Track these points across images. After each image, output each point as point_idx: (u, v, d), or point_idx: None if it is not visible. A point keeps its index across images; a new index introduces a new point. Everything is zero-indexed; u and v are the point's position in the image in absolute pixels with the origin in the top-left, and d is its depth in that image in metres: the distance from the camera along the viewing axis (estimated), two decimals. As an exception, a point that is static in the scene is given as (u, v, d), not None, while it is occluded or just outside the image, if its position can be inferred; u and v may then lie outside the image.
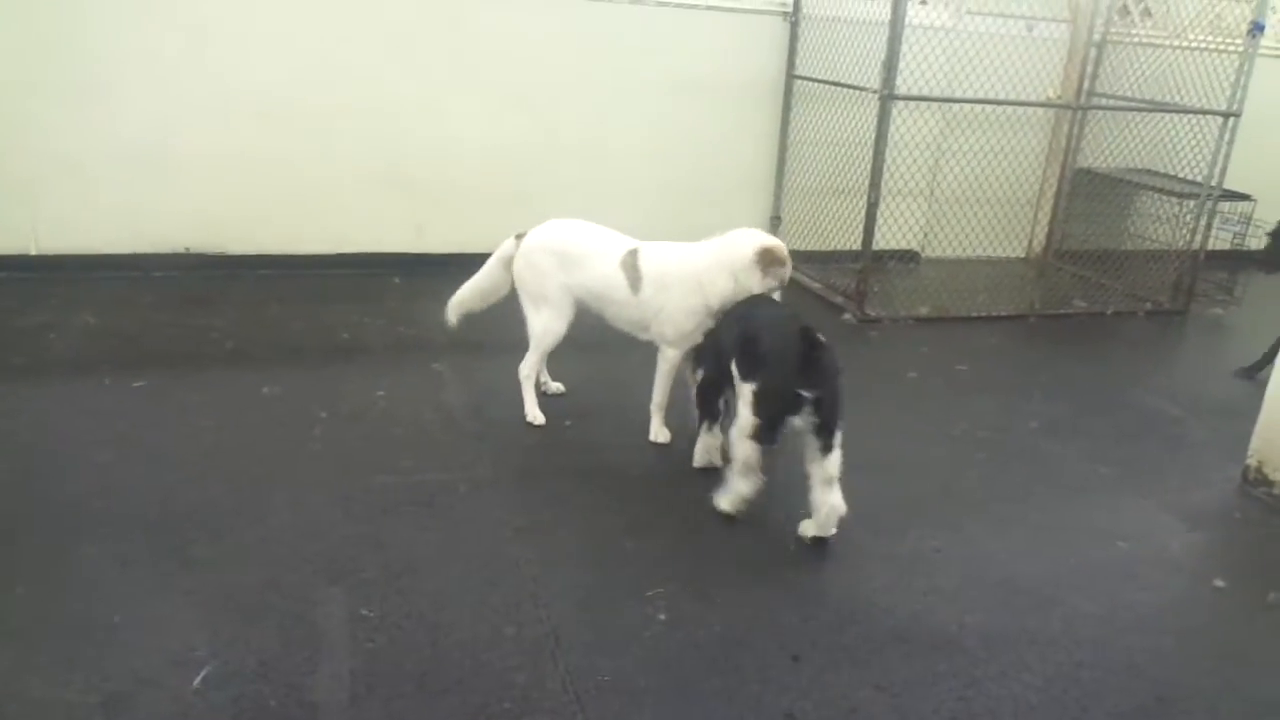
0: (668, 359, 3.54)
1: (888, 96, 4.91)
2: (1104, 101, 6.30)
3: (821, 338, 2.84)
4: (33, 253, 4.94)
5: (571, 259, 3.54)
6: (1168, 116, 5.93)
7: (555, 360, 3.89)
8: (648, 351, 3.81)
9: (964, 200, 6.11)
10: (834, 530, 2.96)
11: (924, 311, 5.44)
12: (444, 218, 5.50)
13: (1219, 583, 2.98)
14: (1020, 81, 5.74)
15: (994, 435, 3.91)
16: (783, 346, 2.85)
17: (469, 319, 3.83)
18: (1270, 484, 3.53)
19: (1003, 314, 5.56)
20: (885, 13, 4.85)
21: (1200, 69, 5.68)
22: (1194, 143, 5.79)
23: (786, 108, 5.92)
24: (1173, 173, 6.06)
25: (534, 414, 3.69)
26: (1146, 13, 6.34)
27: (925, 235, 6.22)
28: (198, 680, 2.25)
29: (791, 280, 3.54)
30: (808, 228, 5.97)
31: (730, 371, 3.03)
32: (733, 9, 5.66)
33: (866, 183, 5.12)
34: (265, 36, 4.97)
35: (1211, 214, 5.74)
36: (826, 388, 2.81)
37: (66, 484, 3.05)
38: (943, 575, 2.90)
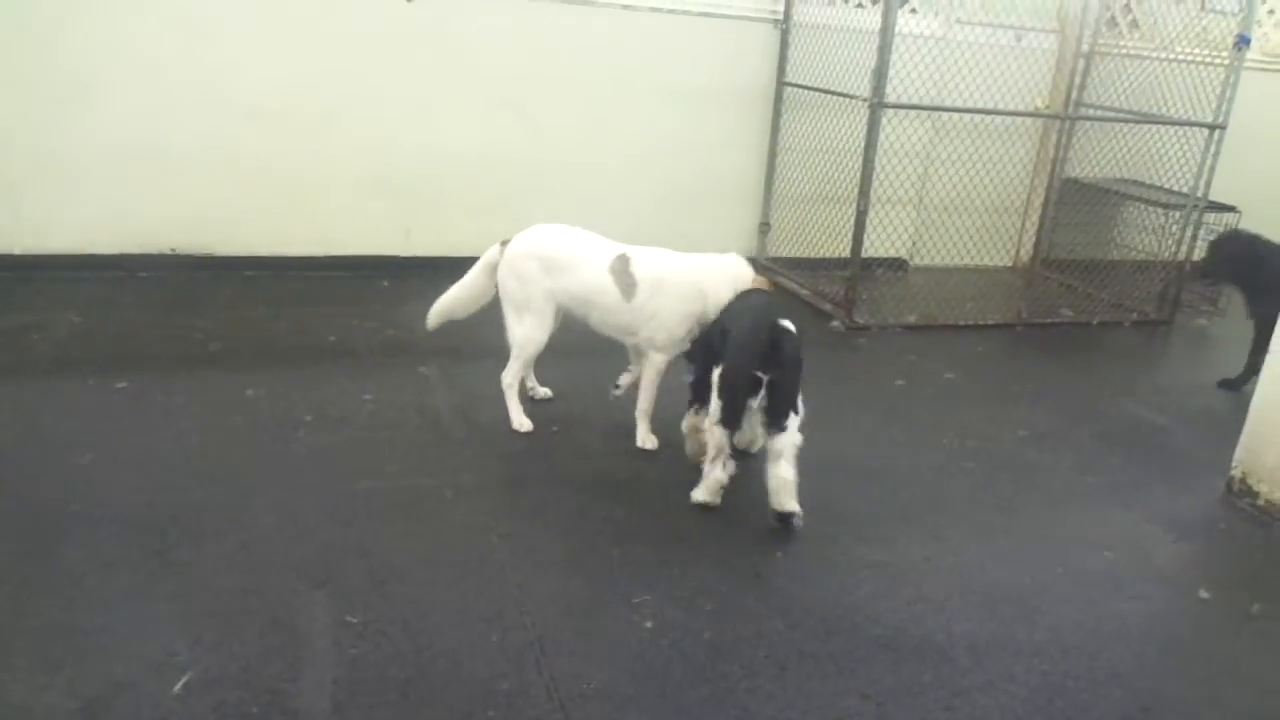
0: (655, 364, 3.53)
1: (877, 104, 4.92)
2: (1092, 112, 6.33)
3: (788, 326, 3.01)
4: (17, 252, 4.90)
5: (558, 264, 3.52)
6: (1154, 128, 5.96)
7: (543, 365, 3.88)
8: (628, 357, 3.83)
9: (952, 209, 6.13)
10: (794, 506, 3.05)
11: (912, 319, 5.45)
12: (433, 221, 5.48)
13: (1204, 593, 2.99)
14: (1009, 91, 5.76)
15: (981, 444, 3.92)
16: (748, 333, 3.01)
17: (453, 324, 3.81)
18: (1254, 494, 3.54)
19: (990, 322, 5.57)
20: (876, 21, 4.87)
21: (1187, 81, 5.72)
22: (1180, 154, 5.82)
23: (776, 115, 5.93)
24: (1159, 184, 6.09)
25: (520, 421, 3.67)
26: (1134, 25, 6.38)
27: (914, 243, 6.23)
28: (178, 686, 2.23)
29: (780, 287, 3.54)
30: (797, 235, 5.98)
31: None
32: (724, 16, 5.66)
33: (856, 190, 5.13)
34: (255, 38, 4.95)
35: (1197, 225, 5.77)
36: (782, 372, 2.97)
37: (47, 485, 3.02)
38: (930, 584, 2.90)
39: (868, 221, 5.18)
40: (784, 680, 2.42)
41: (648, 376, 3.56)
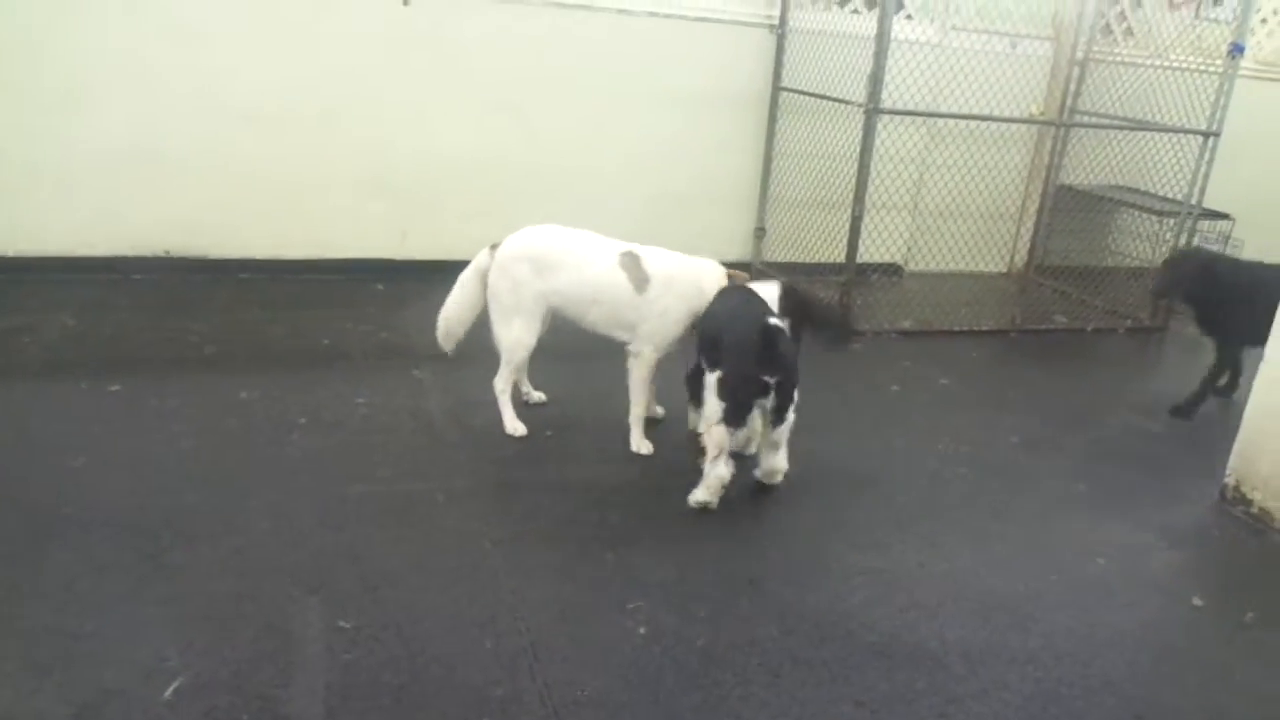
0: (646, 362, 3.55)
1: (873, 110, 4.92)
2: (1086, 119, 6.34)
3: (778, 324, 3.09)
4: (10, 254, 4.88)
5: (553, 264, 3.52)
6: (1149, 135, 5.97)
7: (536, 370, 3.88)
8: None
9: (947, 214, 6.14)
10: (778, 480, 3.30)
11: (907, 325, 5.45)
12: (428, 224, 5.48)
13: (1197, 601, 2.99)
14: (1004, 98, 5.77)
15: (975, 450, 3.92)
16: (745, 338, 3.09)
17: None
18: (1248, 502, 3.54)
19: (985, 329, 5.58)
20: (871, 27, 4.87)
21: (1181, 89, 5.73)
22: (1174, 161, 5.83)
23: (772, 120, 5.93)
24: (1153, 191, 6.10)
25: (513, 426, 3.66)
26: (1129, 32, 6.40)
27: (909, 249, 6.24)
28: (169, 691, 2.22)
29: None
30: (792, 240, 5.98)
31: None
32: (720, 21, 5.66)
33: (851, 196, 5.13)
34: (249, 41, 4.94)
35: (1191, 232, 5.78)
36: (785, 373, 3.07)
37: (38, 488, 3.01)
38: (924, 590, 2.90)
39: (863, 227, 5.18)
40: (777, 687, 2.42)
41: (639, 375, 3.56)
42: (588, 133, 5.61)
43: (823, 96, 5.41)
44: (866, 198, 5.10)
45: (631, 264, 3.50)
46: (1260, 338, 4.36)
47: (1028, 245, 6.71)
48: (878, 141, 5.03)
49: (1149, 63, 5.97)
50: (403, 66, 5.20)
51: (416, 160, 5.37)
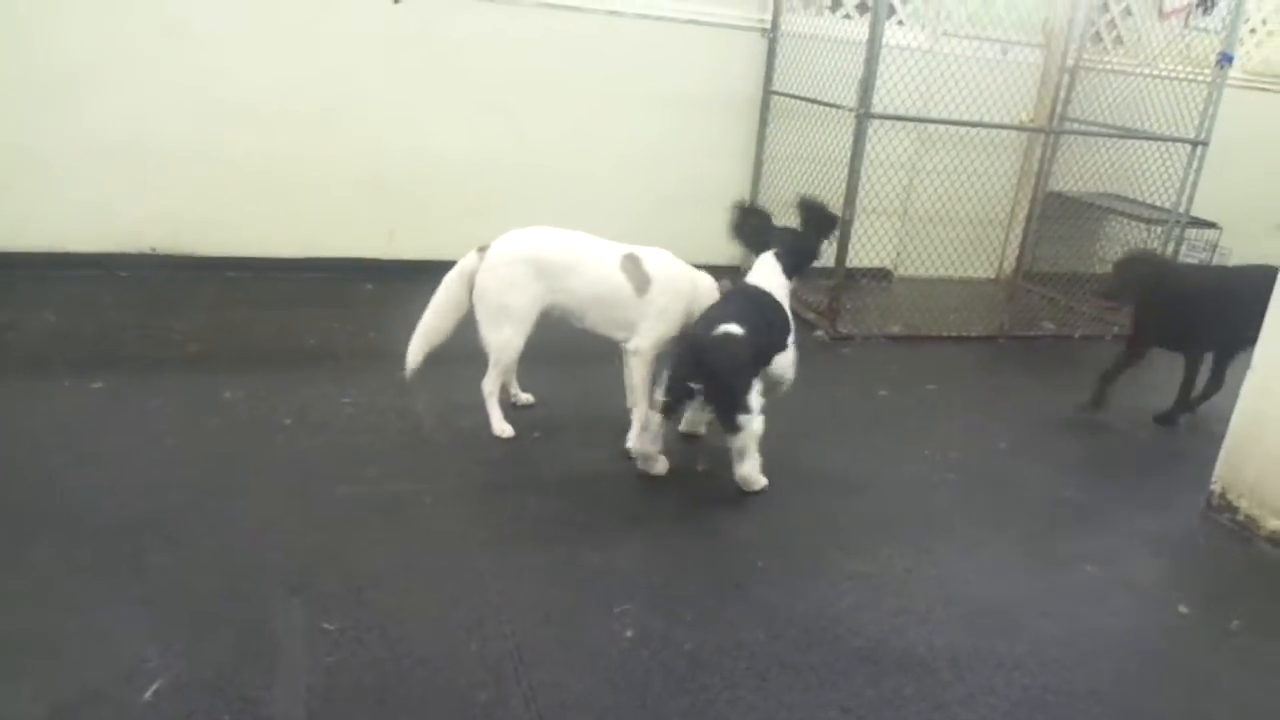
0: (645, 359, 3.56)
1: (864, 115, 4.93)
2: (1076, 126, 6.37)
3: (727, 332, 3.15)
4: (-7, 249, 4.85)
5: (555, 266, 3.51)
6: (1137, 143, 5.99)
7: (524, 371, 3.86)
8: (620, 364, 3.81)
9: (937, 220, 6.15)
10: (758, 486, 3.34)
11: (896, 330, 5.46)
12: (417, 224, 5.45)
13: (1183, 608, 2.99)
14: (994, 104, 5.78)
15: (963, 456, 3.92)
16: (688, 343, 3.29)
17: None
18: (1234, 509, 3.55)
19: (973, 334, 5.59)
20: (863, 32, 4.88)
21: (1170, 97, 5.76)
22: (1163, 170, 5.86)
23: (763, 123, 5.93)
24: (1142, 199, 6.13)
25: (500, 427, 3.64)
26: (1119, 40, 6.43)
27: (898, 254, 6.24)
28: (149, 693, 2.19)
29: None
30: (781, 244, 5.97)
31: None
32: (711, 24, 5.66)
33: (841, 200, 5.12)
34: (239, 38, 4.91)
35: (1179, 240, 5.81)
36: (712, 383, 3.13)
37: (17, 487, 2.98)
38: (912, 596, 2.89)
39: (853, 231, 5.18)
40: (765, 692, 2.40)
41: (641, 373, 3.56)
42: (578, 134, 5.60)
43: (814, 101, 5.42)
44: (856, 202, 5.11)
45: (632, 266, 3.54)
46: (1211, 343, 4.36)
47: (1016, 251, 6.73)
48: (868, 146, 5.03)
49: (1138, 71, 6.00)
50: (392, 66, 5.18)
51: (406, 160, 5.35)
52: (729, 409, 3.16)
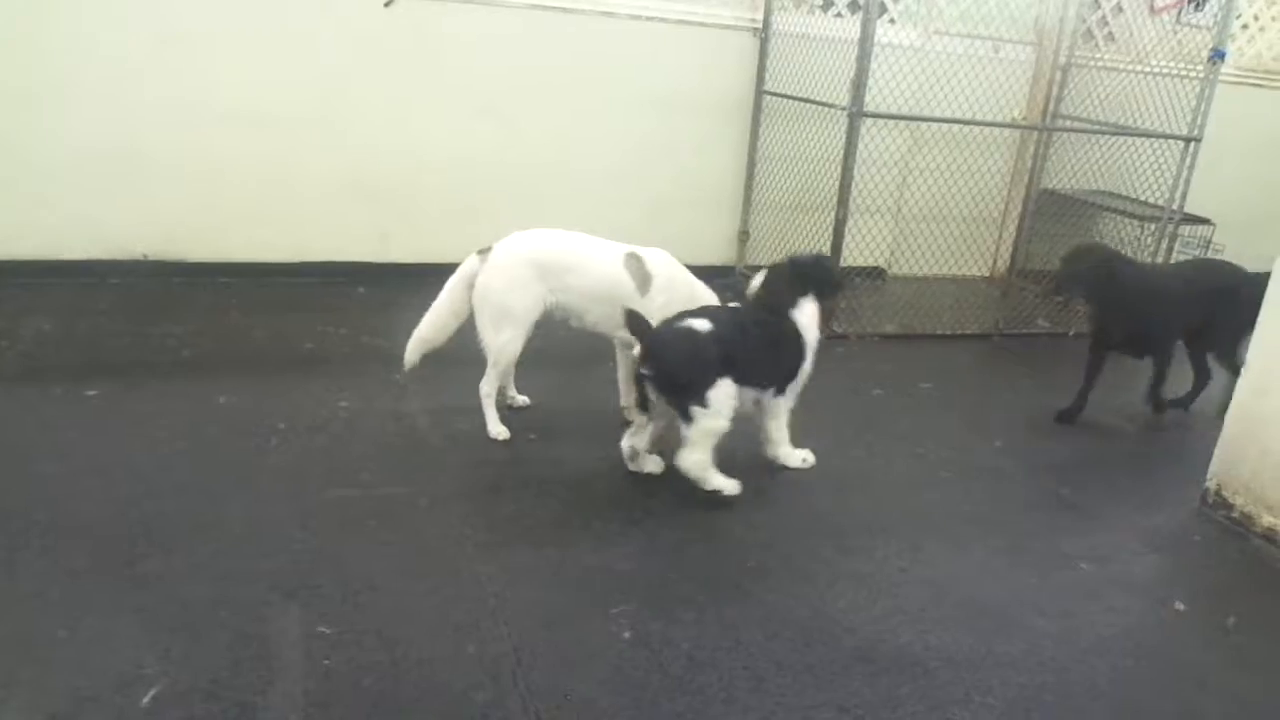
0: None
1: (856, 114, 4.93)
2: (1068, 124, 6.37)
3: (680, 331, 3.16)
4: (-15, 256, 4.83)
5: (559, 267, 3.53)
6: (1130, 140, 5.99)
7: (520, 373, 3.86)
8: (614, 365, 3.82)
9: (930, 218, 6.15)
10: (713, 485, 3.25)
11: (890, 329, 5.46)
12: (409, 228, 5.44)
13: (1179, 605, 2.99)
14: (986, 102, 5.78)
15: (957, 454, 3.92)
16: (645, 335, 3.26)
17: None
18: (1229, 506, 3.56)
19: (967, 333, 5.59)
20: (855, 31, 4.87)
21: (1162, 94, 5.76)
22: (1156, 167, 5.85)
23: (756, 123, 5.93)
24: (1135, 195, 6.13)
25: (496, 430, 3.64)
26: (1110, 37, 6.43)
27: (891, 253, 6.24)
28: (146, 699, 2.19)
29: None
30: (776, 243, 5.98)
31: None
32: (703, 24, 5.66)
33: (834, 199, 5.13)
34: (229, 42, 4.89)
35: (1172, 237, 5.81)
36: (657, 370, 3.15)
37: (11, 494, 2.97)
38: (907, 595, 2.89)
39: (846, 230, 5.18)
40: (762, 692, 2.41)
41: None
42: (570, 136, 5.60)
43: (806, 100, 5.42)
44: (850, 201, 5.11)
45: (635, 266, 3.58)
46: (1161, 343, 4.32)
47: (1010, 249, 6.71)
48: (861, 145, 5.03)
49: (1130, 68, 6.00)
50: (384, 70, 5.17)
51: (398, 163, 5.34)
52: (678, 397, 3.16)
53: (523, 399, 3.93)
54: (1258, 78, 6.95)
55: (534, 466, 3.50)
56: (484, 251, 3.57)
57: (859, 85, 4.87)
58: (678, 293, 3.61)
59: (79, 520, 2.85)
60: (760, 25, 5.76)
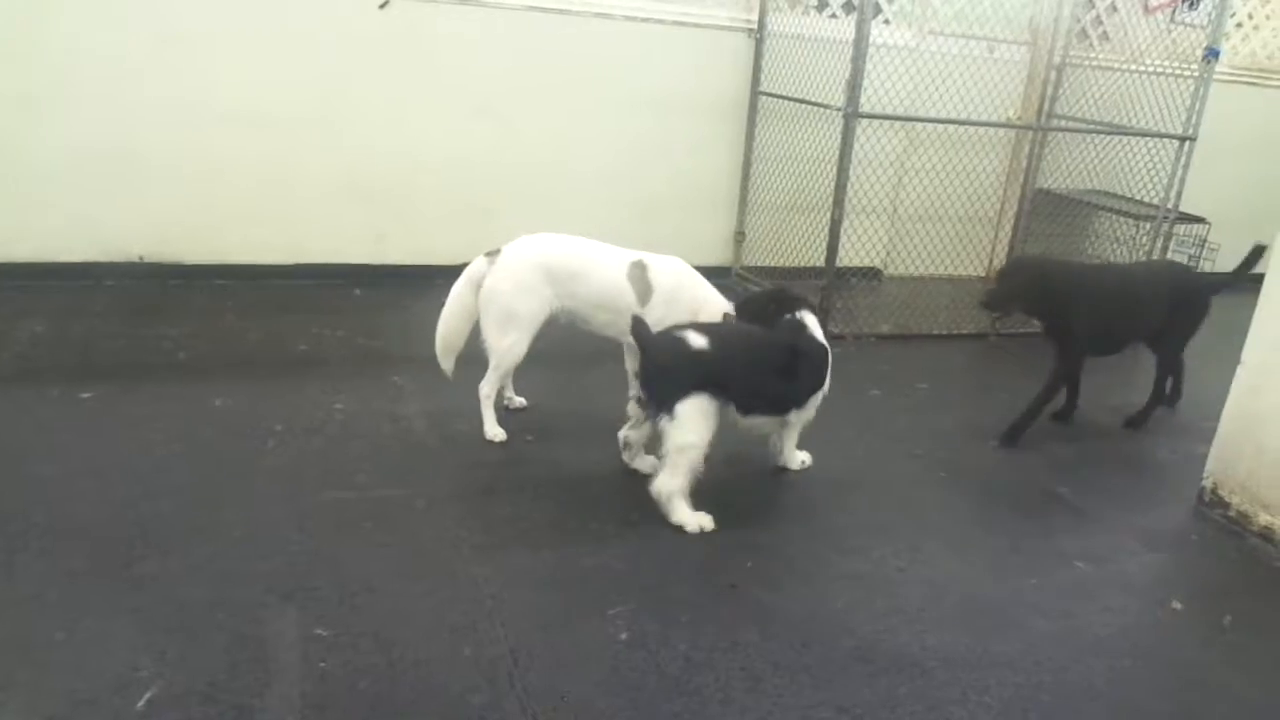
0: None
1: (852, 114, 4.93)
2: (1063, 123, 6.38)
3: (673, 339, 3.12)
4: (-20, 258, 4.82)
5: (566, 273, 3.53)
6: (1125, 139, 6.00)
7: (518, 375, 3.85)
8: (612, 366, 3.81)
9: (926, 219, 6.16)
10: (677, 519, 3.14)
11: (886, 329, 5.46)
12: (405, 229, 5.44)
13: (1176, 605, 3.00)
14: (981, 102, 5.79)
15: (954, 454, 3.92)
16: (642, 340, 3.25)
17: (425, 331, 3.73)
18: (1226, 505, 3.56)
19: (963, 333, 5.60)
20: (850, 32, 4.88)
21: (1157, 93, 5.77)
22: (1150, 166, 5.86)
23: (751, 124, 5.94)
24: (1130, 195, 6.14)
25: (494, 431, 3.64)
26: (1105, 37, 6.44)
27: (887, 253, 6.25)
28: (142, 702, 2.18)
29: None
30: (771, 243, 5.99)
31: None
32: (699, 25, 5.66)
33: (830, 199, 5.14)
34: (226, 43, 4.89)
35: (1167, 236, 5.81)
36: (646, 377, 3.18)
37: (7, 497, 2.96)
38: (905, 595, 2.89)
39: (842, 231, 5.19)
40: (759, 693, 2.40)
41: None
42: (567, 137, 5.60)
43: (801, 101, 5.42)
44: (845, 201, 5.11)
45: (639, 275, 3.57)
46: (1111, 344, 4.30)
47: (1006, 249, 6.74)
48: (856, 145, 5.03)
49: (1125, 67, 6.02)
50: (380, 70, 5.17)
51: (394, 165, 5.33)
52: (659, 404, 3.10)
53: (520, 401, 3.93)
54: (1252, 76, 6.97)
55: (531, 468, 3.49)
56: (492, 254, 3.56)
57: (854, 86, 4.88)
58: (680, 305, 3.58)
59: (76, 522, 2.84)
60: (755, 26, 5.77)
